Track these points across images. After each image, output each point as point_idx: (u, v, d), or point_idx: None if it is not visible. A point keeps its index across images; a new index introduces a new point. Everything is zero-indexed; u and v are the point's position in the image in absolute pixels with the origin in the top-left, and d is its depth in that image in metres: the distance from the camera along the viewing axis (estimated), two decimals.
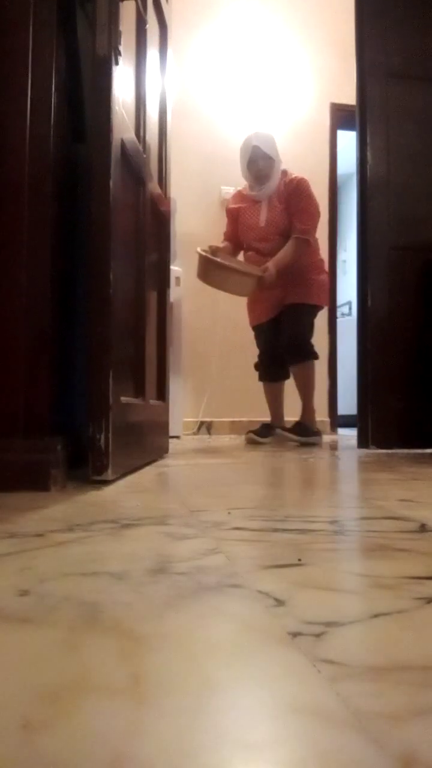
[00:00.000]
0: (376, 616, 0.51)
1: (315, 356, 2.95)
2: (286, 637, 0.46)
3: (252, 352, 3.16)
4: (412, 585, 0.59)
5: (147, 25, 1.86)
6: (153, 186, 1.96)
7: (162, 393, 2.17)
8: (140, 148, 1.76)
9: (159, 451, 2.09)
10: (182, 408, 3.52)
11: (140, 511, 1.02)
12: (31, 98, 1.34)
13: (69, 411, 1.52)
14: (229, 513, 1.00)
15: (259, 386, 3.18)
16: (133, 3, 1.69)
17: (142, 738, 0.31)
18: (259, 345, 3.11)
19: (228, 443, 3.12)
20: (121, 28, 1.45)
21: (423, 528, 0.89)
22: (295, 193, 2.89)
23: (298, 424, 2.97)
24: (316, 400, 3.07)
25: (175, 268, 3.22)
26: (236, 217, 3.04)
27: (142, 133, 1.82)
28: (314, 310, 2.97)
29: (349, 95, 3.50)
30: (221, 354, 4.01)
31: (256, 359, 3.14)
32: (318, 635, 0.46)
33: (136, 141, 1.71)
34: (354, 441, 2.88)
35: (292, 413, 3.14)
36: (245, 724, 0.33)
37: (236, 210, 3.05)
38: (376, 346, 2.75)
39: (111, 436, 1.35)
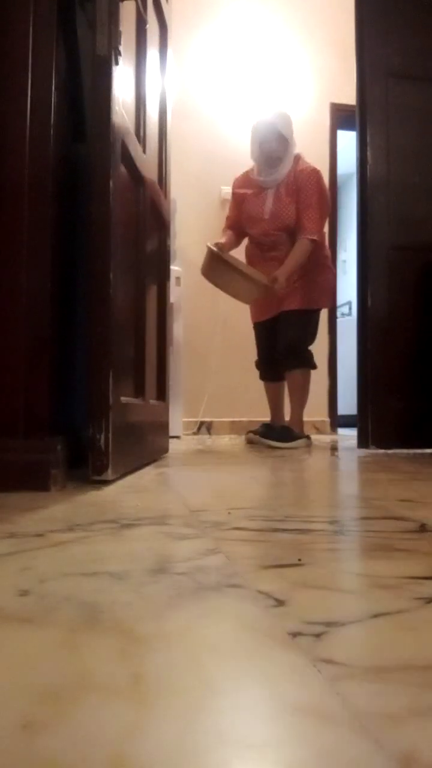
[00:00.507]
0: (376, 616, 0.51)
1: (311, 365, 2.84)
2: (286, 637, 0.46)
3: (252, 353, 3.16)
4: (412, 585, 0.59)
5: (147, 25, 1.86)
6: (153, 186, 1.96)
7: (162, 393, 2.17)
8: (140, 148, 1.76)
9: (159, 451, 2.09)
10: (182, 408, 3.52)
11: (140, 511, 1.02)
12: (31, 98, 1.34)
13: (69, 411, 1.52)
14: (229, 513, 1.00)
15: (260, 386, 3.17)
16: (133, 3, 1.69)
17: (142, 738, 0.31)
18: (258, 343, 3.02)
19: (228, 443, 3.11)
20: (121, 28, 1.45)
21: (423, 528, 0.89)
22: (307, 186, 2.71)
23: (280, 427, 2.89)
24: (317, 399, 3.05)
25: (175, 268, 3.21)
26: (240, 202, 2.88)
27: (142, 133, 1.82)
28: (315, 314, 2.87)
29: (349, 95, 3.50)
30: (221, 354, 4.01)
31: (256, 358, 3.09)
32: (318, 635, 0.46)
33: (136, 141, 1.71)
34: (354, 441, 2.88)
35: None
36: (245, 725, 0.33)
37: (241, 196, 2.88)
38: (376, 346, 2.75)
39: (111, 436, 1.35)
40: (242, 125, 4.25)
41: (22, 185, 1.33)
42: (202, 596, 0.55)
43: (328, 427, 4.31)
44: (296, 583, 0.60)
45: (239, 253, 2.95)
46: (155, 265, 2.08)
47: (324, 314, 3.76)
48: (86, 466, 1.37)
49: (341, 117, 4.35)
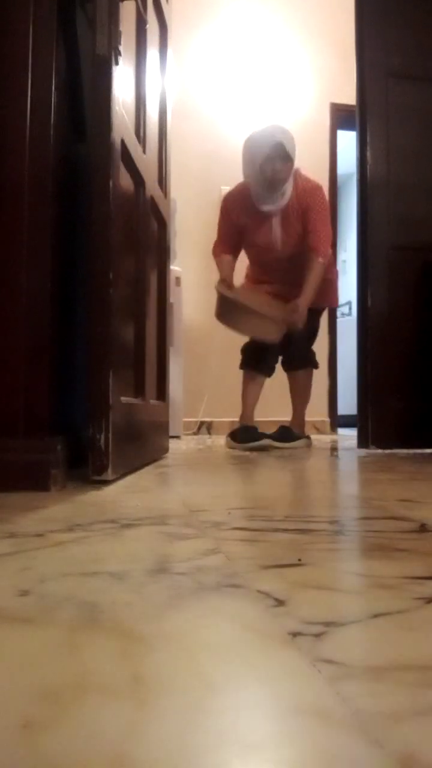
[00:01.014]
0: (376, 616, 0.51)
1: (315, 365, 2.82)
2: (286, 637, 0.46)
3: None
4: (412, 585, 0.59)
5: (147, 25, 1.86)
6: (153, 186, 1.96)
7: (162, 393, 2.17)
8: (140, 148, 1.76)
9: (159, 451, 2.09)
10: (182, 408, 3.52)
11: (140, 511, 1.02)
12: (31, 98, 1.34)
13: (69, 411, 1.52)
14: (229, 513, 1.00)
15: None
16: (133, 3, 1.69)
17: (142, 738, 0.31)
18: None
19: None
20: (121, 28, 1.45)
21: (423, 528, 0.89)
22: (314, 206, 2.56)
23: (283, 428, 2.78)
24: (316, 399, 3.03)
25: (175, 268, 3.22)
26: (239, 230, 2.65)
27: (142, 133, 1.82)
28: (320, 313, 2.84)
29: (349, 95, 3.50)
30: (221, 354, 4.01)
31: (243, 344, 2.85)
32: (318, 635, 0.46)
33: (136, 141, 1.71)
34: (354, 441, 2.88)
35: (274, 412, 3.09)
36: (245, 724, 0.33)
37: (241, 224, 2.63)
38: (376, 346, 2.75)
39: (111, 436, 1.35)
40: (242, 125, 4.25)
41: (22, 185, 1.33)
42: (202, 596, 0.55)
43: (328, 427, 4.31)
44: (296, 583, 0.60)
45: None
46: (155, 264, 2.08)
47: (324, 314, 3.76)
48: (86, 466, 1.37)
49: (341, 117, 4.35)
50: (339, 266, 5.64)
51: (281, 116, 4.30)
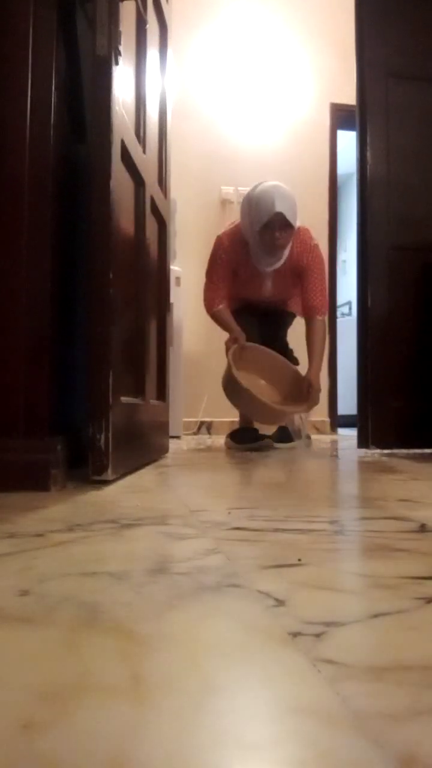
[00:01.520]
0: (376, 616, 0.51)
1: (296, 362, 2.77)
2: (286, 637, 0.46)
3: None
4: (412, 585, 0.59)
5: (147, 25, 1.86)
6: (153, 186, 1.96)
7: (162, 393, 2.17)
8: (140, 148, 1.76)
9: (159, 451, 2.09)
10: (182, 408, 3.52)
11: (140, 511, 1.02)
12: (31, 98, 1.34)
13: (69, 411, 1.52)
14: (229, 513, 1.00)
15: None
16: (133, 3, 1.69)
17: (142, 738, 0.31)
18: (242, 329, 2.61)
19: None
20: (121, 28, 1.45)
21: (423, 528, 0.89)
22: (313, 267, 2.52)
23: (283, 428, 2.75)
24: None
25: (175, 268, 3.22)
26: (233, 273, 2.57)
27: (142, 133, 1.82)
28: (293, 317, 2.83)
29: (349, 95, 3.50)
30: (221, 354, 4.00)
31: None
32: (318, 635, 0.46)
33: (136, 141, 1.71)
34: (354, 441, 2.88)
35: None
36: (245, 725, 0.33)
37: (233, 269, 2.55)
38: (376, 346, 2.75)
39: (111, 436, 1.35)
40: (242, 125, 4.25)
41: (22, 185, 1.33)
42: (202, 596, 0.55)
43: (328, 427, 4.31)
44: (296, 583, 0.60)
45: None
46: (155, 265, 2.08)
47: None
48: (86, 466, 1.37)
49: (341, 117, 4.35)
50: (339, 266, 5.65)
51: (281, 116, 4.31)
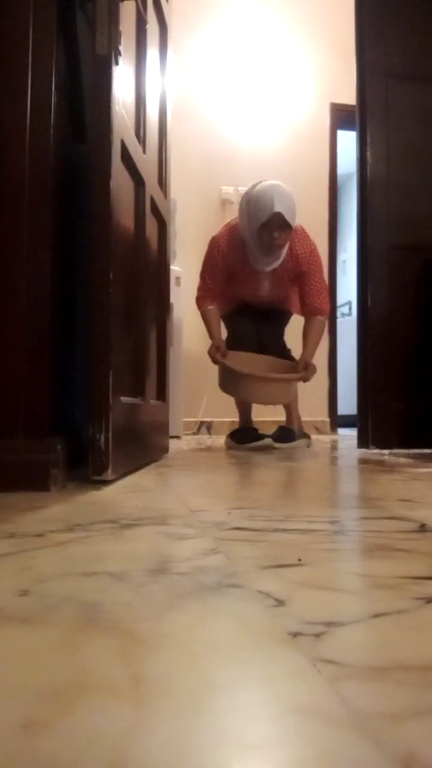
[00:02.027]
0: (376, 616, 0.51)
1: (295, 360, 2.78)
2: (286, 637, 0.46)
3: None
4: (412, 585, 0.59)
5: (147, 25, 1.86)
6: (153, 186, 1.96)
7: (162, 393, 2.17)
8: (140, 148, 1.76)
9: (159, 451, 2.09)
10: (182, 408, 3.52)
11: (140, 511, 1.02)
12: (31, 98, 1.34)
13: (69, 411, 1.52)
14: (229, 513, 1.00)
15: None
16: (133, 3, 1.69)
17: (142, 738, 0.31)
18: (241, 331, 2.70)
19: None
20: (121, 28, 1.45)
21: (423, 528, 0.89)
22: (312, 269, 2.53)
23: (283, 428, 2.75)
24: (316, 400, 3.01)
25: (175, 268, 3.22)
26: (228, 275, 2.58)
27: (142, 133, 1.82)
28: (290, 316, 2.84)
29: (349, 95, 3.50)
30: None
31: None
32: (318, 635, 0.46)
33: (136, 141, 1.71)
34: (354, 441, 2.88)
35: (274, 413, 3.07)
36: (245, 725, 0.33)
37: (229, 270, 2.55)
38: (376, 346, 2.75)
39: (111, 436, 1.35)
40: (242, 125, 4.25)
41: (22, 185, 1.33)
42: (202, 596, 0.55)
43: (328, 427, 4.31)
44: (296, 583, 0.60)
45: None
46: (155, 264, 2.08)
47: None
48: (86, 466, 1.37)
49: (341, 117, 4.36)
50: (339, 266, 5.65)
51: (281, 116, 4.31)
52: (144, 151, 1.82)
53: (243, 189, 4.02)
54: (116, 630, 0.47)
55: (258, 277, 2.56)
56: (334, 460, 2.27)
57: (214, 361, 2.55)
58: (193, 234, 3.96)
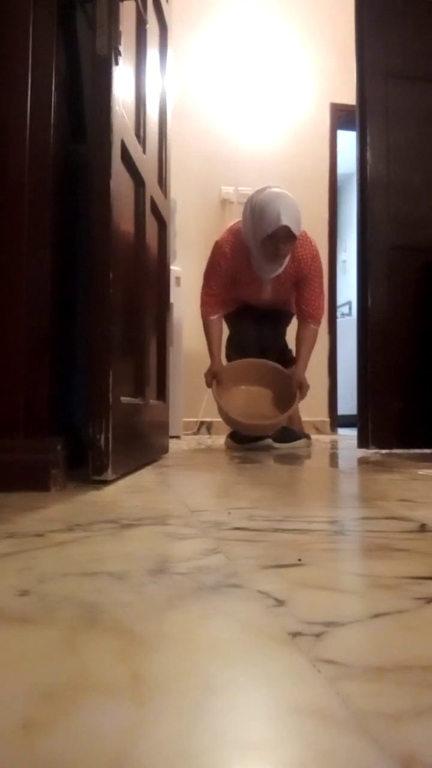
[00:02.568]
0: (376, 616, 0.51)
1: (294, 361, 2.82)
2: (286, 637, 0.46)
3: None
4: (412, 585, 0.59)
5: (147, 25, 1.86)
6: (153, 186, 1.96)
7: (162, 393, 2.17)
8: (140, 148, 1.76)
9: (159, 451, 2.09)
10: (182, 408, 3.52)
11: (140, 511, 1.02)
12: (31, 98, 1.34)
13: (69, 411, 1.52)
14: (229, 513, 1.00)
15: None
16: (133, 3, 1.69)
17: (142, 738, 0.31)
18: (242, 333, 2.72)
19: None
20: (121, 28, 1.45)
21: (423, 528, 0.89)
22: (312, 275, 2.55)
23: (283, 428, 2.71)
24: (316, 400, 3.00)
25: (175, 268, 3.22)
26: (231, 279, 2.58)
27: (142, 133, 1.82)
28: (292, 316, 2.83)
29: (349, 95, 3.50)
30: (221, 354, 4.00)
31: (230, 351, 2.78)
32: (318, 635, 0.46)
33: (136, 141, 1.71)
34: (354, 441, 2.88)
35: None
36: (245, 725, 0.33)
37: (232, 275, 2.56)
38: (376, 346, 2.75)
39: (111, 436, 1.35)
40: (242, 125, 4.25)
41: (22, 185, 1.33)
42: (202, 596, 0.55)
43: (328, 427, 4.31)
44: (296, 583, 0.60)
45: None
46: (155, 265, 2.08)
47: (324, 314, 3.75)
48: (86, 466, 1.37)
49: (341, 117, 4.35)
50: (339, 266, 5.65)
51: (281, 116, 4.31)
52: (144, 151, 1.82)
53: (243, 189, 4.05)
54: (116, 630, 0.47)
55: (260, 281, 2.58)
56: (333, 460, 2.27)
57: (209, 385, 2.60)
58: (193, 234, 3.96)
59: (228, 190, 4.15)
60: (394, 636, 0.47)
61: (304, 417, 3.02)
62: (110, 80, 1.41)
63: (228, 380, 2.61)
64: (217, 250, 2.57)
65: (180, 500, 1.15)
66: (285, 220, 2.29)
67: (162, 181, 2.22)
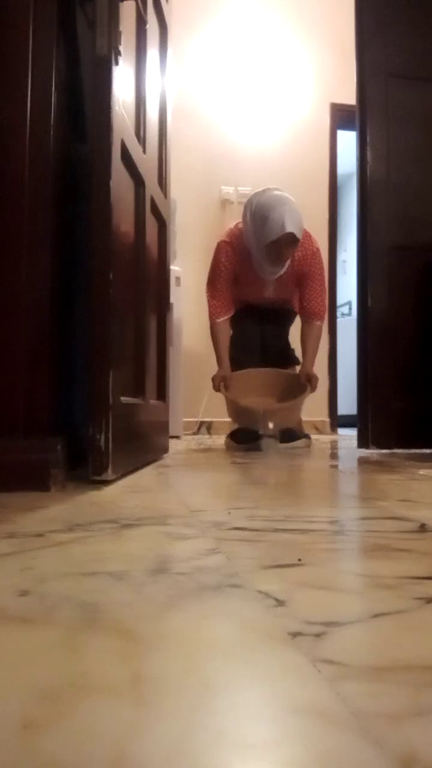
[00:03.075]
0: (376, 616, 0.51)
1: (297, 361, 2.81)
2: (286, 637, 0.46)
3: None
4: (412, 585, 0.59)
5: (147, 25, 1.86)
6: (153, 186, 1.96)
7: (162, 393, 2.17)
8: (140, 148, 1.76)
9: (159, 451, 2.09)
10: (182, 408, 3.52)
11: (140, 511, 1.02)
12: (31, 98, 1.34)
13: (69, 411, 1.52)
14: (229, 513, 1.00)
15: None
16: (133, 3, 1.69)
17: (142, 738, 0.31)
18: (244, 333, 2.73)
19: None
20: (121, 28, 1.45)
21: (423, 528, 0.89)
22: (314, 272, 2.58)
23: (287, 430, 2.72)
24: (316, 400, 3.01)
25: (175, 268, 3.22)
26: (235, 279, 2.60)
27: (142, 133, 1.82)
28: (295, 315, 2.85)
29: (349, 95, 3.50)
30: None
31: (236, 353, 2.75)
32: (318, 635, 0.46)
33: (136, 141, 1.71)
34: (354, 441, 2.88)
35: None
36: (245, 724, 0.33)
37: (236, 273, 2.58)
38: (376, 346, 2.75)
39: (111, 436, 1.35)
40: (242, 125, 4.25)
41: (22, 185, 1.33)
42: (202, 596, 0.55)
43: (328, 427, 4.31)
44: (296, 583, 0.60)
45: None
46: (155, 265, 2.08)
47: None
48: (86, 466, 1.37)
49: (341, 117, 4.35)
50: (339, 266, 5.65)
51: (281, 116, 4.31)
52: (144, 151, 1.82)
53: (243, 189, 4.05)
54: (116, 630, 0.47)
55: (263, 281, 2.61)
56: (334, 460, 2.27)
57: (217, 390, 2.60)
58: (193, 234, 3.96)
59: (228, 190, 4.15)
60: (393, 636, 0.47)
61: (304, 417, 3.01)
62: (110, 80, 1.41)
63: (237, 391, 2.60)
64: (220, 251, 2.60)
65: (180, 500, 1.15)
66: (290, 227, 2.31)
67: (162, 181, 2.22)
